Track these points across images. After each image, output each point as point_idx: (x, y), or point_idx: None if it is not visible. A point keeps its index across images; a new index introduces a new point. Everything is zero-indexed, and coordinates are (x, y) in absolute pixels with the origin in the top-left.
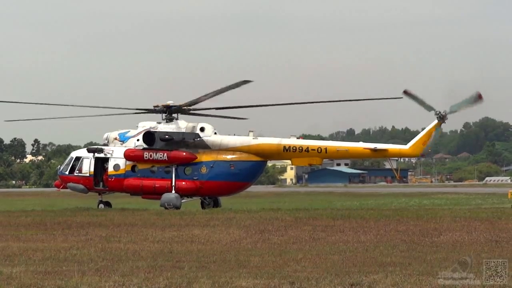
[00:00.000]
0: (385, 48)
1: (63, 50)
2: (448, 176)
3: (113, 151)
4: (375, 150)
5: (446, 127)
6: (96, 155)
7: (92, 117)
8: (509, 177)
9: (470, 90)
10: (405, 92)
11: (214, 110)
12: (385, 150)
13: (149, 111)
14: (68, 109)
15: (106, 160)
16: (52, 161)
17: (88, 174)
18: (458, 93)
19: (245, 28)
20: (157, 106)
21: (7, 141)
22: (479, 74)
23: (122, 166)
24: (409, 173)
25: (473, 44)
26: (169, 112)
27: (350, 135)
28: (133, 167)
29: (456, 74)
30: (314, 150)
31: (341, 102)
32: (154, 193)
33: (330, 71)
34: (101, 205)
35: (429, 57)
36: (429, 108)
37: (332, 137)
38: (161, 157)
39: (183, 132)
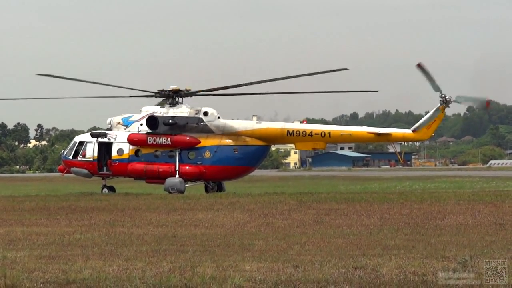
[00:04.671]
0: (394, 31)
1: (65, 34)
2: (452, 160)
3: (116, 135)
4: (378, 134)
5: (449, 111)
6: (100, 139)
7: (96, 102)
8: None
9: (476, 73)
10: (419, 65)
11: (214, 91)
12: (388, 134)
13: (153, 95)
14: (74, 93)
15: (109, 144)
16: (56, 146)
17: (91, 159)
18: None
19: (247, 12)
20: (161, 91)
21: (10, 126)
22: (482, 56)
23: (125, 151)
24: (412, 156)
25: (476, 25)
26: (173, 96)
27: (353, 119)
28: (136, 152)
29: (458, 58)
30: (317, 134)
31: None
32: (158, 178)
33: (332, 55)
34: (105, 190)
35: (430, 39)
36: (437, 88)
37: (335, 121)
38: (164, 142)
39: (187, 117)
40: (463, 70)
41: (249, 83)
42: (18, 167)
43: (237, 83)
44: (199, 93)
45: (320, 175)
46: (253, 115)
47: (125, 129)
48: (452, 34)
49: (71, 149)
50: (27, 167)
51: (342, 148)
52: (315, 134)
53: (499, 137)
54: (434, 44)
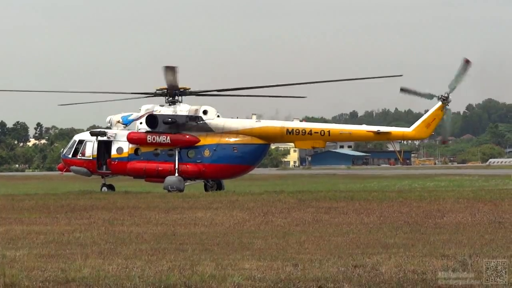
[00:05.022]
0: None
1: (65, 33)
2: (451, 158)
3: (116, 134)
4: (378, 133)
5: None
6: (99, 138)
7: (96, 101)
8: None
9: (475, 71)
10: (402, 90)
11: (215, 91)
12: (388, 133)
13: (152, 94)
14: (72, 93)
15: (109, 143)
16: (55, 144)
17: (91, 157)
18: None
19: (248, 10)
20: (160, 89)
21: (10, 124)
22: (482, 55)
23: (125, 149)
24: (412, 155)
25: (476, 24)
26: (172, 95)
27: (353, 118)
28: (136, 150)
29: (458, 55)
30: (317, 133)
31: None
32: (157, 176)
33: (332, 53)
34: (104, 188)
35: (430, 38)
36: (429, 96)
37: (335, 120)
38: (164, 140)
39: (186, 115)
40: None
41: (254, 87)
42: (17, 165)
43: (239, 83)
44: (199, 93)
45: (320, 174)
46: (253, 114)
47: (124, 127)
48: (452, 33)
49: (71, 147)
50: (27, 165)
51: (341, 147)
52: (315, 132)
53: (499, 136)
54: (435, 43)
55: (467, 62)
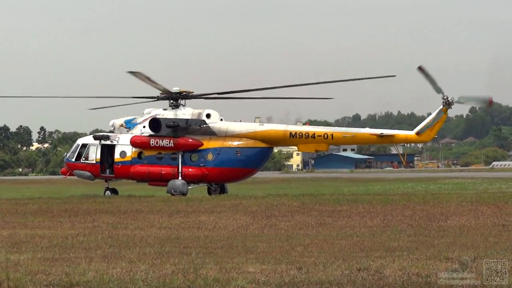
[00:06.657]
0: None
1: (68, 35)
2: (454, 161)
3: (119, 138)
4: (381, 136)
5: (452, 112)
6: (103, 142)
7: (98, 104)
8: None
9: (479, 74)
10: (420, 68)
11: (216, 95)
12: (391, 136)
13: (155, 98)
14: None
15: (112, 147)
16: (59, 148)
17: (94, 161)
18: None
19: (250, 12)
20: (163, 93)
21: (13, 128)
22: (486, 59)
23: (128, 153)
24: (415, 158)
25: (480, 28)
26: (175, 98)
27: (356, 121)
28: (139, 154)
29: (462, 59)
30: (320, 136)
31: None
32: (161, 180)
33: (335, 55)
34: (108, 192)
35: (435, 40)
36: (439, 90)
37: (338, 123)
38: (167, 144)
39: (189, 119)
40: (468, 71)
41: (257, 89)
42: (20, 169)
43: (241, 88)
44: (202, 96)
45: (323, 177)
46: (256, 117)
47: (127, 131)
48: (456, 36)
49: (74, 151)
50: (30, 169)
51: (345, 150)
52: (318, 136)
53: (502, 139)
54: (439, 45)
55: (420, 68)
